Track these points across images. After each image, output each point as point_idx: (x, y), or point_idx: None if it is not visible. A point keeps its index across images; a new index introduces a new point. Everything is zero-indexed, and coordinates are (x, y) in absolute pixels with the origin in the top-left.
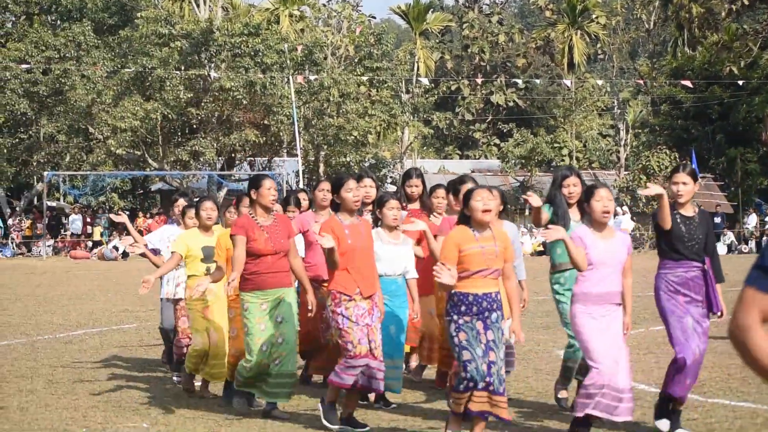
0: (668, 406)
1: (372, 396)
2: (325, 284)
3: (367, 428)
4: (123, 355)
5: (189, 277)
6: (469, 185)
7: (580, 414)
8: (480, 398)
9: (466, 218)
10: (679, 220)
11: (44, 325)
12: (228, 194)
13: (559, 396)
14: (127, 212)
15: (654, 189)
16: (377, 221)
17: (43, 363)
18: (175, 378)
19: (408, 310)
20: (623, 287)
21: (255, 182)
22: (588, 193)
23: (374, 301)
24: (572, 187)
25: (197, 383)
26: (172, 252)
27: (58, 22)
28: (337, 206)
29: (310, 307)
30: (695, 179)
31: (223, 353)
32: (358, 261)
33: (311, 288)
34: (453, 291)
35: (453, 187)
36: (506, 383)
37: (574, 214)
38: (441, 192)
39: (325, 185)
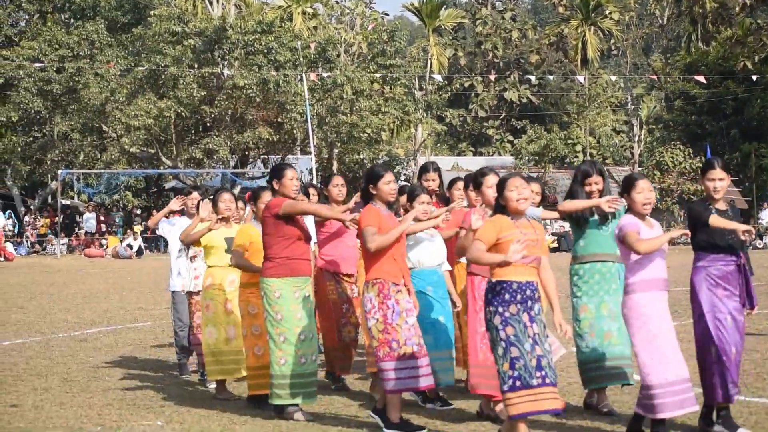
0: (712, 413)
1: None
2: (347, 278)
3: (425, 430)
4: (137, 354)
5: (211, 267)
6: (490, 177)
7: (664, 416)
8: (535, 396)
9: (501, 208)
10: (715, 215)
11: (59, 324)
12: (242, 192)
13: (593, 402)
14: (140, 210)
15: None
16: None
17: (57, 361)
18: (211, 386)
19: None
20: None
21: (277, 172)
22: (628, 184)
23: (412, 294)
24: (594, 186)
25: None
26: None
27: (72, 20)
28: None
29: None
30: (728, 172)
31: (240, 349)
32: (400, 248)
33: (326, 280)
34: (494, 280)
35: (473, 180)
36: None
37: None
38: (461, 185)
39: (339, 180)
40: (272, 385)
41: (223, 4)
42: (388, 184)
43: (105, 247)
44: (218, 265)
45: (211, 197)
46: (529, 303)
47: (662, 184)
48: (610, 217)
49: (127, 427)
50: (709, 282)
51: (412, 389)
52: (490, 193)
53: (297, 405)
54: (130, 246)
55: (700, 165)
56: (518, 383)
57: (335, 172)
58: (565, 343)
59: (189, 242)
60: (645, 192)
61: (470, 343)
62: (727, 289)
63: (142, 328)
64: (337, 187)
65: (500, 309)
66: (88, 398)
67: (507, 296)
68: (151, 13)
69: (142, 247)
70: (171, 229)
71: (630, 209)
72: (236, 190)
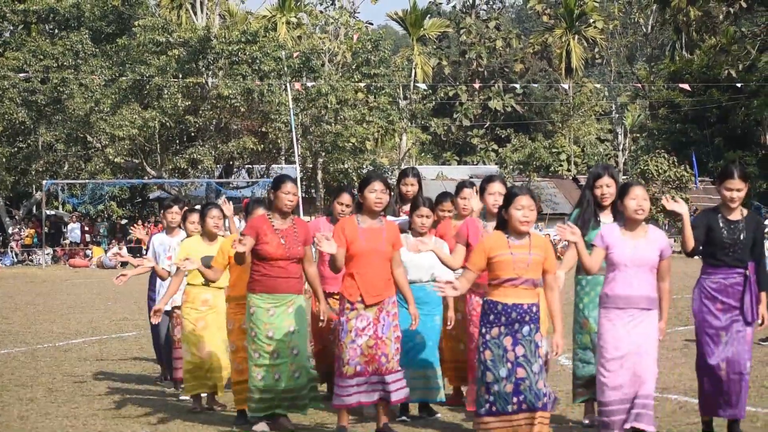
0: (711, 425)
1: (413, 409)
2: (335, 296)
3: None
4: (122, 364)
5: (187, 285)
6: (495, 184)
7: None
8: (510, 422)
9: (503, 222)
10: (721, 225)
11: (44, 334)
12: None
13: (586, 421)
14: (125, 220)
15: (679, 206)
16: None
17: (42, 371)
18: (183, 397)
19: (439, 317)
20: (659, 291)
21: (276, 183)
22: (622, 190)
23: (383, 310)
24: (605, 188)
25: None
26: (177, 268)
27: (56, 31)
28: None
29: (321, 317)
30: (746, 181)
31: (219, 365)
32: (366, 266)
33: (324, 297)
34: (485, 299)
35: (480, 184)
36: None
37: (606, 216)
38: (467, 192)
39: (346, 198)
40: (249, 399)
41: (207, 14)
42: (373, 193)
43: (90, 257)
44: (194, 284)
45: (200, 209)
46: (516, 326)
47: (647, 192)
48: None
49: None
50: (704, 294)
51: (345, 406)
52: (491, 200)
53: (262, 417)
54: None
55: (685, 173)
56: (494, 408)
57: (320, 181)
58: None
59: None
60: (638, 199)
61: (469, 359)
62: (725, 303)
63: (127, 338)
64: (342, 206)
65: (483, 330)
66: (73, 408)
67: (492, 317)
68: (136, 23)
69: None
70: (155, 252)
71: (621, 215)
72: (221, 200)
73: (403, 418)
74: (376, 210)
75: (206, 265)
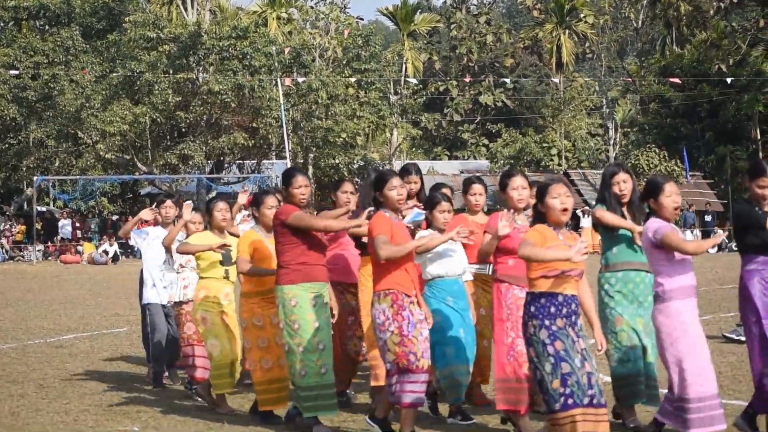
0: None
1: (444, 408)
2: (353, 289)
3: None
4: (113, 359)
5: (205, 278)
6: (517, 178)
7: (695, 431)
8: (587, 416)
9: (541, 216)
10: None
11: (35, 330)
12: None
13: (631, 425)
14: (116, 216)
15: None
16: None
17: (33, 367)
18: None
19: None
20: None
21: (286, 179)
22: (655, 188)
23: (421, 305)
24: (623, 184)
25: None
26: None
27: (47, 27)
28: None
29: (333, 312)
30: None
31: (237, 364)
32: (410, 259)
33: (332, 291)
34: (537, 291)
35: (499, 181)
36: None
37: (627, 213)
38: (478, 188)
39: (348, 186)
40: (298, 398)
41: (198, 9)
42: (393, 190)
43: (81, 253)
44: (213, 277)
45: (203, 204)
46: (573, 318)
47: (638, 187)
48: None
49: None
50: (764, 285)
51: (421, 405)
52: (515, 195)
53: (316, 418)
54: (105, 252)
55: (676, 168)
56: (570, 401)
57: (311, 177)
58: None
59: (184, 252)
60: (674, 196)
61: (497, 355)
62: None
63: (118, 334)
64: (346, 194)
65: (546, 322)
66: (64, 404)
67: (553, 309)
68: (126, 19)
69: (118, 253)
70: (144, 239)
71: (654, 214)
72: (211, 195)
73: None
74: (399, 206)
75: (227, 258)
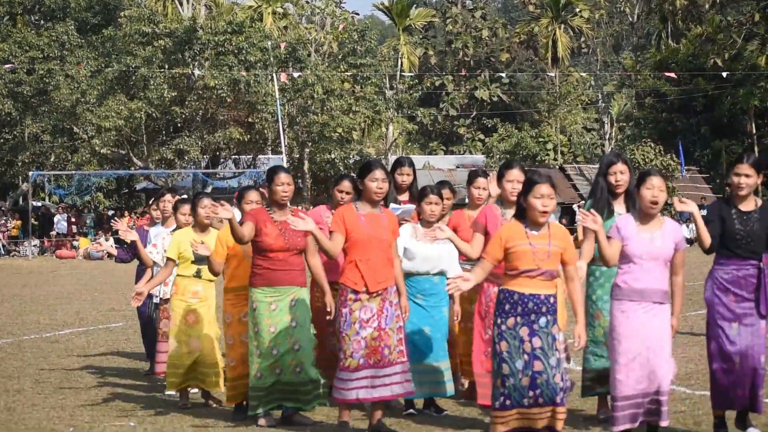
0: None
1: (420, 402)
2: (336, 286)
3: None
4: (109, 355)
5: (177, 276)
6: (514, 171)
7: (618, 429)
8: (527, 416)
9: (522, 210)
10: (734, 216)
11: (31, 325)
12: (214, 192)
13: (602, 416)
14: (112, 211)
15: (688, 206)
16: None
17: (29, 363)
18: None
19: (446, 309)
20: (672, 285)
21: (269, 175)
22: (639, 179)
23: (387, 300)
24: (619, 175)
25: (193, 391)
26: (167, 259)
27: (42, 22)
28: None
29: (328, 309)
30: (759, 170)
31: (212, 360)
32: (369, 253)
33: (329, 289)
34: (500, 288)
35: (498, 171)
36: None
37: (619, 205)
38: (482, 182)
39: (346, 186)
40: (250, 396)
41: (193, 4)
42: (374, 182)
43: (76, 248)
44: (184, 275)
45: (190, 200)
46: (532, 316)
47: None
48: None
49: (99, 428)
50: (717, 286)
51: (348, 401)
52: (510, 187)
53: (263, 413)
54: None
55: (672, 162)
56: (508, 402)
57: (306, 172)
58: (573, 355)
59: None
60: (654, 189)
61: (474, 351)
62: (738, 295)
63: (114, 329)
64: (342, 193)
65: (498, 320)
66: (60, 399)
67: (507, 307)
68: (122, 14)
69: (114, 247)
70: (154, 250)
71: (635, 205)
72: (208, 191)
73: (411, 411)
74: (376, 199)
75: (199, 257)
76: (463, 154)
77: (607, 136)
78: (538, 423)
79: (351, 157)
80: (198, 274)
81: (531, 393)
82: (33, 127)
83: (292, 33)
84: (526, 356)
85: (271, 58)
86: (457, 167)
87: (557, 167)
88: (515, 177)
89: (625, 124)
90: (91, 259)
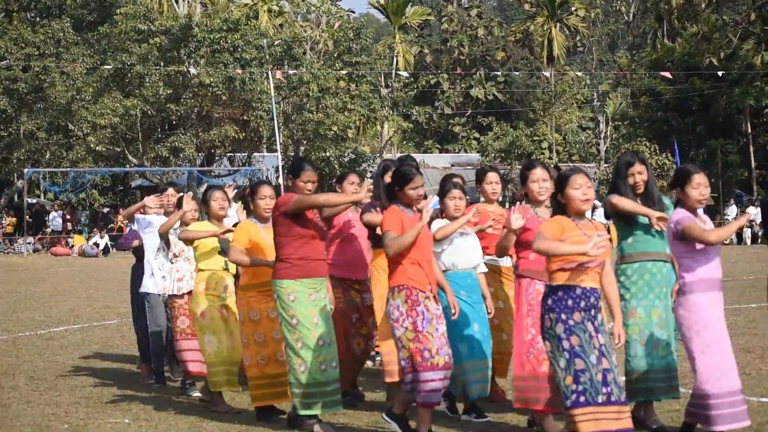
0: None
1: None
2: (357, 286)
3: None
4: (104, 352)
5: (201, 271)
6: (537, 170)
7: (720, 428)
8: (602, 414)
9: (561, 207)
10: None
11: (25, 322)
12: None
13: (640, 416)
14: (107, 209)
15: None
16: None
17: (24, 360)
18: (194, 393)
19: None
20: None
21: (294, 170)
22: (683, 177)
23: (438, 300)
24: (638, 176)
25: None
26: (230, 240)
27: (38, 19)
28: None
29: (330, 305)
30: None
31: (238, 359)
32: (427, 253)
33: (330, 286)
34: (554, 284)
35: (520, 174)
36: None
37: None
38: (493, 177)
39: (354, 178)
40: (294, 395)
41: (188, 2)
42: (415, 190)
43: (71, 245)
44: (212, 269)
45: (199, 194)
46: (593, 311)
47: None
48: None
49: (94, 425)
50: None
51: (437, 404)
52: (536, 187)
53: (316, 416)
54: (96, 244)
55: (667, 161)
56: (582, 399)
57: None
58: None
59: (185, 239)
60: (701, 188)
61: (515, 352)
62: None
63: (109, 326)
64: (353, 185)
65: (563, 316)
66: (55, 396)
67: (570, 302)
68: (117, 11)
69: (109, 245)
70: (146, 228)
71: (681, 203)
72: (203, 188)
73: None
74: (416, 206)
75: (226, 247)
76: (458, 152)
77: (602, 135)
78: (611, 424)
79: (346, 155)
80: (226, 267)
81: (604, 389)
82: (28, 124)
83: (287, 31)
84: (596, 351)
85: (267, 56)
86: (452, 165)
87: (552, 166)
88: (540, 176)
89: (620, 123)
90: (86, 256)
